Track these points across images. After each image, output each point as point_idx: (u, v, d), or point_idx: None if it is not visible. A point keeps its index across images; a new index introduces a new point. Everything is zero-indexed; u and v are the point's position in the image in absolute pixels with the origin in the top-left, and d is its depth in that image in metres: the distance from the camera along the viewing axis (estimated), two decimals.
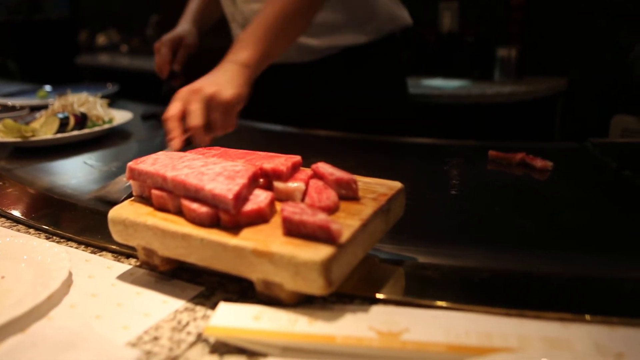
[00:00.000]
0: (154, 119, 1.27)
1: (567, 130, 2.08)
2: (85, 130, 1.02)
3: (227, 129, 0.80)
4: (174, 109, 0.75)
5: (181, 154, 0.54)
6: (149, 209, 0.50)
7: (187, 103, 0.75)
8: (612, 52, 1.95)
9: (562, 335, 0.38)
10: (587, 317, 0.41)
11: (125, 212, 0.50)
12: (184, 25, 1.24)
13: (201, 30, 1.28)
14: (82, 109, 1.07)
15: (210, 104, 0.75)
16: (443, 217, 0.66)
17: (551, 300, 0.45)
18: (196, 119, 0.73)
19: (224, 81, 0.79)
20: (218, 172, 0.48)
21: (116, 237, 0.51)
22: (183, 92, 0.76)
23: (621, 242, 0.57)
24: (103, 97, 1.19)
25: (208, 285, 0.49)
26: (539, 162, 0.78)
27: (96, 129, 1.04)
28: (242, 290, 0.48)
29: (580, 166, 0.83)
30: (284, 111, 1.22)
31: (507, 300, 0.45)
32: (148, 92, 2.44)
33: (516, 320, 0.40)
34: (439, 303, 0.44)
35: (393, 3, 1.14)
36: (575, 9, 2.02)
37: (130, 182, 0.53)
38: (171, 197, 0.48)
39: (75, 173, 0.90)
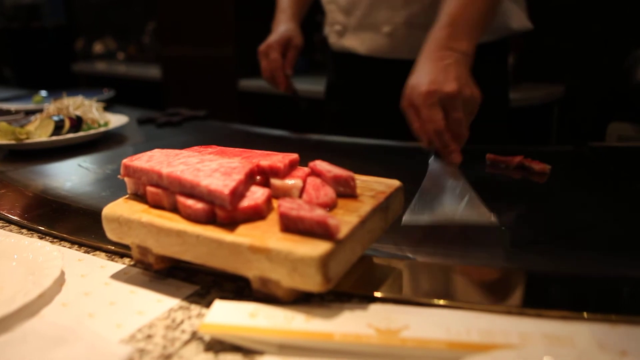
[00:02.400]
0: (151, 124, 1.26)
1: (563, 137, 2.08)
2: (81, 133, 1.01)
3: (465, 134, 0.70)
4: (439, 117, 0.66)
5: (177, 151, 0.53)
6: (144, 207, 0.49)
7: (449, 109, 0.67)
8: (608, 59, 1.96)
9: (563, 333, 0.37)
10: (588, 315, 0.40)
11: (119, 209, 0.49)
12: (287, 25, 1.12)
13: (301, 24, 1.17)
14: (78, 112, 1.06)
15: (469, 108, 0.68)
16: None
17: (551, 298, 0.44)
18: (465, 129, 0.68)
19: (467, 78, 0.69)
20: (214, 168, 0.47)
21: (110, 235, 0.50)
22: (436, 95, 0.67)
23: (619, 242, 0.57)
24: (99, 101, 1.18)
25: (203, 284, 0.48)
26: (537, 165, 0.78)
27: (91, 132, 1.03)
28: (238, 289, 0.47)
29: (578, 169, 0.83)
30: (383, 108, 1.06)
31: (506, 299, 0.44)
32: (144, 99, 2.44)
33: (517, 318, 0.40)
34: (438, 301, 0.43)
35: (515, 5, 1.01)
36: (572, 16, 2.04)
37: (126, 179, 0.52)
38: (166, 193, 0.48)
39: (69, 176, 0.89)
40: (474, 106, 0.69)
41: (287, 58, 1.09)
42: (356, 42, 1.05)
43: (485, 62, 0.96)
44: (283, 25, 1.12)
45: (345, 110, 1.16)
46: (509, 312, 0.41)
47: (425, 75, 0.69)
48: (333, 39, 1.11)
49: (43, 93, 1.53)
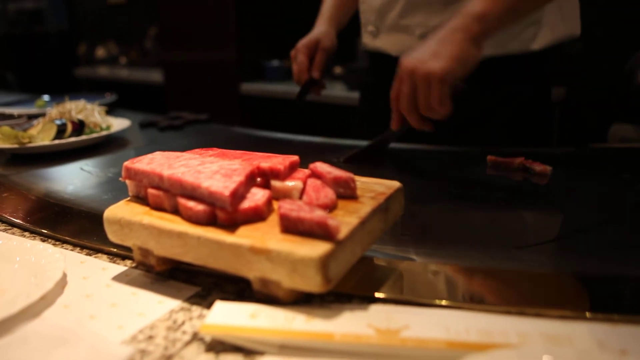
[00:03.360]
0: (153, 127, 1.27)
1: (565, 140, 2.08)
2: (83, 137, 1.02)
3: (436, 109, 0.72)
4: (393, 89, 0.76)
5: (178, 153, 0.54)
6: (145, 209, 0.49)
7: (400, 83, 0.74)
8: (608, 62, 1.96)
9: (562, 332, 0.37)
10: (588, 314, 0.40)
11: (120, 211, 0.49)
12: (320, 27, 1.13)
13: (339, 29, 1.17)
14: (80, 116, 1.07)
15: (422, 83, 0.71)
16: (442, 219, 0.66)
17: (551, 298, 0.44)
18: (402, 101, 0.74)
19: (435, 51, 0.72)
20: (215, 170, 0.47)
21: (112, 237, 0.50)
22: (401, 70, 0.74)
23: (621, 242, 0.57)
24: (101, 105, 1.19)
25: (204, 285, 0.49)
26: (537, 167, 0.78)
27: (93, 135, 1.03)
28: (239, 290, 0.47)
29: (579, 170, 0.83)
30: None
31: (506, 299, 0.44)
32: (146, 103, 2.45)
33: (516, 318, 0.40)
34: (438, 302, 0.43)
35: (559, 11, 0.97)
36: None
37: (127, 181, 0.52)
38: (167, 196, 0.48)
39: (72, 179, 0.89)
40: (427, 81, 0.71)
41: (314, 61, 1.08)
42: (388, 44, 1.05)
43: (528, 67, 0.99)
44: (316, 29, 1.12)
45: (374, 110, 1.15)
46: (508, 312, 0.41)
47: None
48: (367, 40, 1.11)
49: (45, 97, 1.54)
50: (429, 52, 0.73)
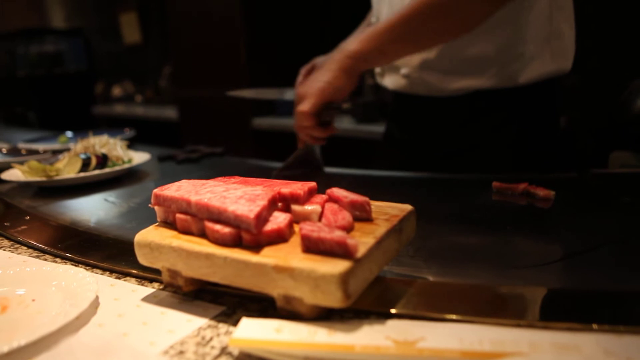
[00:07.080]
0: (171, 160, 1.31)
1: (566, 167, 2.11)
2: (106, 170, 1.06)
3: (302, 122, 0.93)
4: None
5: (203, 181, 0.57)
6: (174, 233, 0.53)
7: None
8: (606, 91, 2.01)
9: (571, 342, 0.39)
10: (595, 326, 0.42)
11: (150, 235, 0.53)
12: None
13: None
14: (103, 150, 1.12)
15: (301, 99, 0.93)
16: (452, 241, 0.68)
17: (559, 313, 0.47)
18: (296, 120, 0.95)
19: (315, 77, 0.93)
20: (239, 195, 0.51)
21: (142, 260, 0.54)
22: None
23: (624, 260, 0.59)
24: (122, 140, 1.24)
25: (230, 304, 0.51)
26: (541, 192, 0.81)
27: (116, 168, 1.08)
28: (262, 309, 0.50)
29: (581, 194, 0.85)
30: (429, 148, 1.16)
31: (516, 314, 0.46)
32: (162, 139, 2.52)
33: (526, 330, 0.42)
34: (452, 316, 0.46)
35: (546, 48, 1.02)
36: None
37: (155, 208, 0.56)
38: (195, 220, 0.51)
39: (96, 210, 0.93)
40: (303, 99, 0.93)
41: None
42: (388, 82, 1.17)
43: (531, 100, 1.05)
44: None
45: (397, 138, 1.25)
46: (518, 325, 0.43)
47: None
48: (378, 78, 1.23)
49: (68, 134, 1.60)
50: (312, 79, 0.94)
